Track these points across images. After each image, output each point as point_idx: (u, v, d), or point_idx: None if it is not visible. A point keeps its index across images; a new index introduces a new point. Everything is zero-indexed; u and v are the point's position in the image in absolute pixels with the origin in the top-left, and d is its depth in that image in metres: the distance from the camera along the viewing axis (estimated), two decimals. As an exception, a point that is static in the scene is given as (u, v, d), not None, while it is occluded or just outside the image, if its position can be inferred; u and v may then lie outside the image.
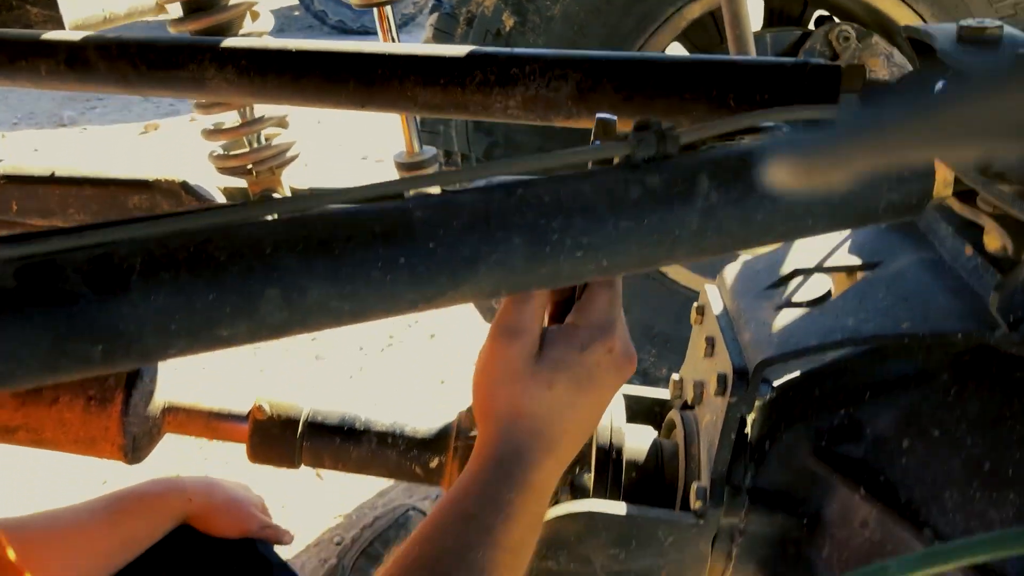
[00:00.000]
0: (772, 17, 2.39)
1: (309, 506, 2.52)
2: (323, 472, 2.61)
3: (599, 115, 0.81)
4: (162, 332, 0.65)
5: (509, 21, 1.97)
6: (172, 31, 1.60)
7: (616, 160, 0.76)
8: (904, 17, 2.02)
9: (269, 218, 0.70)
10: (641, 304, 2.36)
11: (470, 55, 1.14)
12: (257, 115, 1.77)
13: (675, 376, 1.23)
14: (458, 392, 2.94)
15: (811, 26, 2.36)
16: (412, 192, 0.75)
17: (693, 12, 2.04)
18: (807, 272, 1.08)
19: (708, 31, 2.25)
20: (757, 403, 1.01)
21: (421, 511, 2.31)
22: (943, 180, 0.81)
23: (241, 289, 0.65)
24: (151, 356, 0.66)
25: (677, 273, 2.36)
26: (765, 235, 0.77)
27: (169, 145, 5.12)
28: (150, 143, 5.26)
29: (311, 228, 0.68)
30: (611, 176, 0.74)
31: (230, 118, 1.81)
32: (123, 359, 0.65)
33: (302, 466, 1.19)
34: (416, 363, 3.11)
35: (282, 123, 1.82)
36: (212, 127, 1.79)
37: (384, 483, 2.59)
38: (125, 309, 0.64)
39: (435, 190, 0.83)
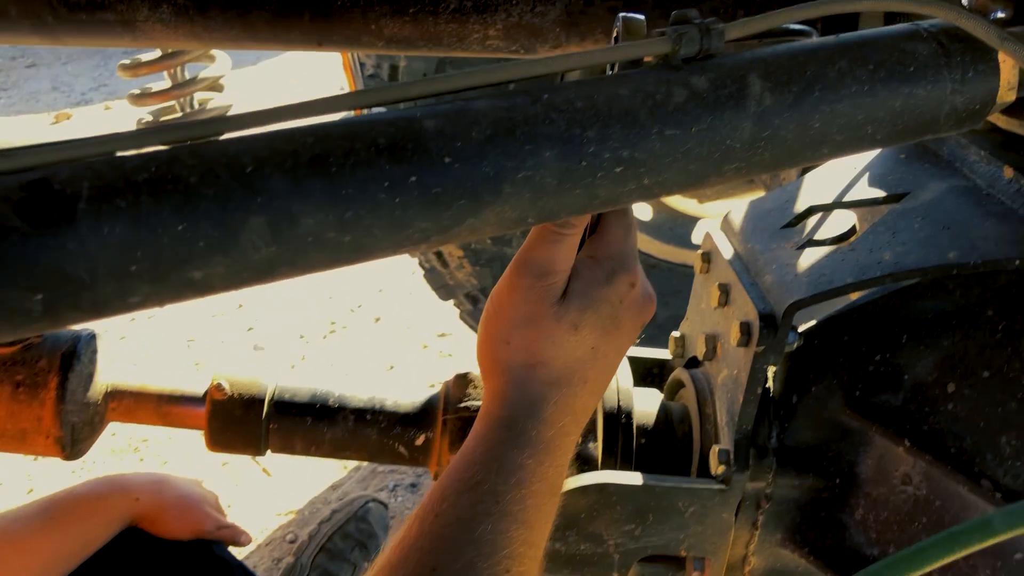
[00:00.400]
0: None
1: (258, 503, 2.36)
2: (271, 468, 2.46)
3: (623, 14, 0.69)
4: (119, 275, 0.51)
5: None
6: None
7: (651, 61, 0.65)
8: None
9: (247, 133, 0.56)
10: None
11: (443, -22, 1.01)
12: (189, 77, 1.61)
13: (675, 333, 1.13)
14: (410, 377, 2.81)
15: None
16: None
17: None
18: (826, 208, 0.98)
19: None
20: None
21: (381, 502, 2.18)
22: (1007, 82, 0.71)
23: (217, 218, 0.52)
24: (107, 306, 0.52)
25: (638, 240, 2.27)
26: (822, 146, 0.67)
27: (83, 133, 4.83)
28: (62, 134, 4.97)
29: (301, 142, 0.55)
30: (651, 78, 0.63)
31: (159, 84, 1.65)
32: (71, 311, 0.51)
33: (267, 453, 1.05)
34: (363, 349, 2.96)
35: (216, 86, 1.66)
36: (139, 91, 1.63)
37: (336, 475, 2.45)
38: (71, 246, 0.50)
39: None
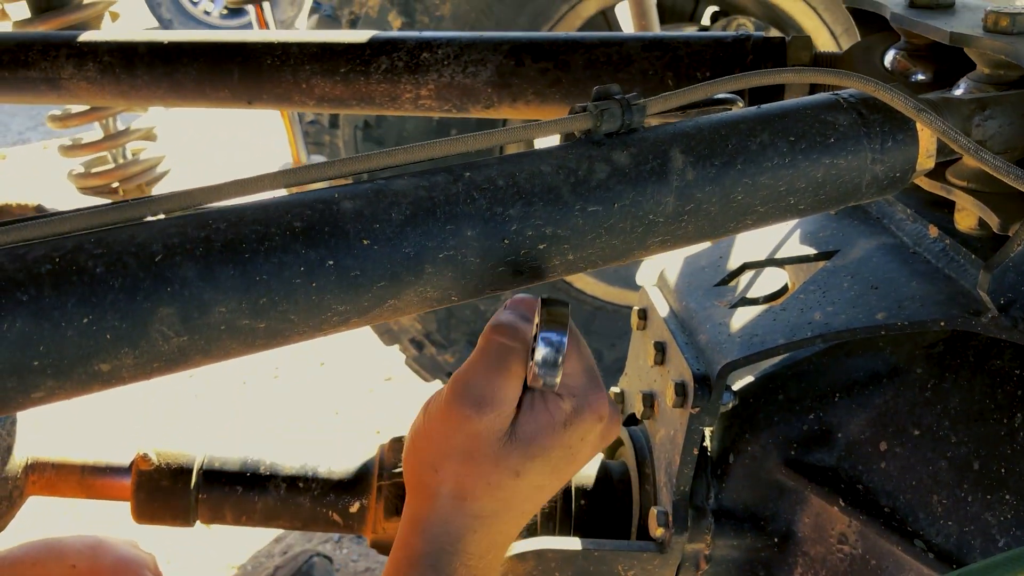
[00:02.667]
0: (664, 14, 2.33)
1: (198, 559, 2.30)
2: (212, 520, 2.40)
3: (544, 297, 0.66)
4: (21, 370, 0.49)
5: (396, 22, 1.85)
6: (17, 34, 1.40)
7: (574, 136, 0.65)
8: (796, 10, 2.00)
9: (156, 218, 0.55)
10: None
11: (373, 40, 1.01)
12: (121, 128, 1.59)
13: (614, 388, 1.12)
14: (356, 422, 2.77)
15: (705, 21, 2.32)
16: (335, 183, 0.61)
17: (588, 10, 1.96)
18: (759, 265, 0.99)
19: (601, 30, 2.18)
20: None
21: (326, 556, 2.13)
22: (926, 150, 0.73)
23: (125, 309, 0.51)
24: (9, 402, 0.50)
25: (584, 283, 2.27)
26: (745, 217, 0.67)
27: (19, 175, 4.74)
28: (-3, 176, 4.87)
29: (213, 227, 0.54)
30: (573, 153, 0.63)
31: (91, 134, 1.62)
32: (-33, 409, 0.49)
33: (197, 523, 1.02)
34: (307, 394, 2.91)
35: (149, 135, 1.64)
36: (71, 143, 1.59)
37: (279, 528, 2.40)
38: (-33, 342, 0.48)
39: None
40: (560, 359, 0.63)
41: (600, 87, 0.64)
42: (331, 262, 0.55)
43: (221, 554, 2.32)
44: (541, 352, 0.63)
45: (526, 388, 0.67)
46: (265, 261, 0.53)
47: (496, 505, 0.69)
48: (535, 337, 0.64)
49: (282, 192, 0.58)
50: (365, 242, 0.56)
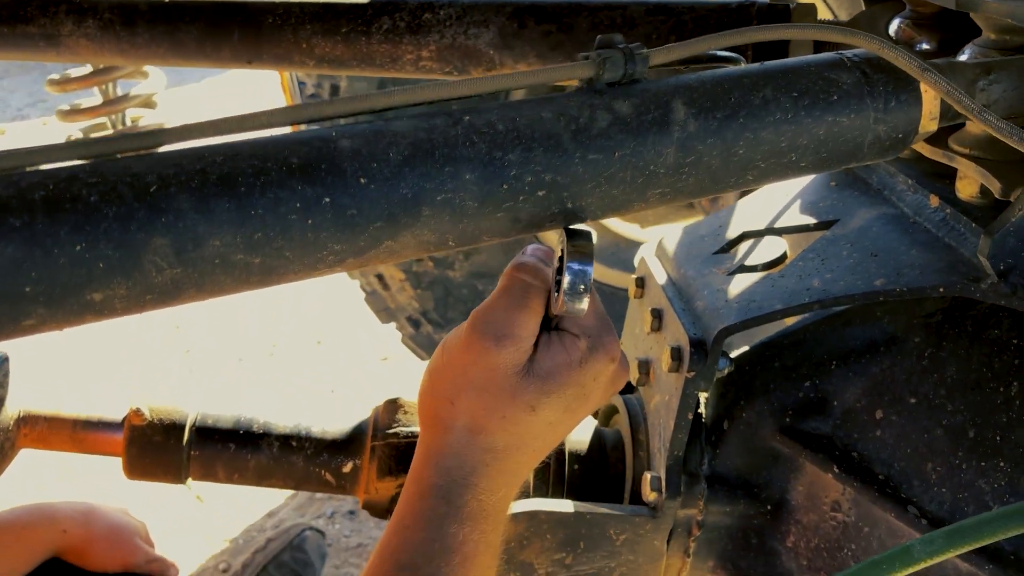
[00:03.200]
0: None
1: (189, 530, 2.30)
2: (204, 493, 2.39)
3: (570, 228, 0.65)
4: (12, 297, 0.49)
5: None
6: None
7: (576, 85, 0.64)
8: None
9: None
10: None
11: (375, 0, 1.00)
12: (121, 94, 1.58)
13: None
14: (352, 401, 2.76)
15: None
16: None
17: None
18: (758, 234, 0.98)
19: None
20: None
21: (319, 531, 2.13)
22: (929, 112, 0.72)
23: (119, 238, 0.50)
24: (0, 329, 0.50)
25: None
26: (746, 172, 0.67)
27: (18, 152, 4.71)
28: (-4, 151, 4.83)
29: (209, 160, 0.53)
30: (575, 101, 0.62)
31: (90, 100, 1.61)
32: (-43, 334, 0.49)
33: (189, 481, 1.02)
34: (303, 372, 2.91)
35: (149, 103, 1.63)
36: (69, 107, 1.59)
37: (273, 502, 2.40)
38: (-42, 266, 0.48)
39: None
40: (586, 286, 0.63)
41: (603, 36, 0.64)
42: (327, 199, 0.54)
43: (213, 527, 2.32)
44: (568, 279, 0.63)
45: (543, 328, 0.69)
46: (261, 196, 0.53)
47: (510, 440, 0.70)
48: (559, 269, 0.65)
49: (285, 130, 0.58)
50: (362, 181, 0.55)
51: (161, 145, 0.55)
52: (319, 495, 2.37)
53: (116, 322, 0.55)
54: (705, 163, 0.64)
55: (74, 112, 1.57)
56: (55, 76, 1.54)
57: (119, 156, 0.53)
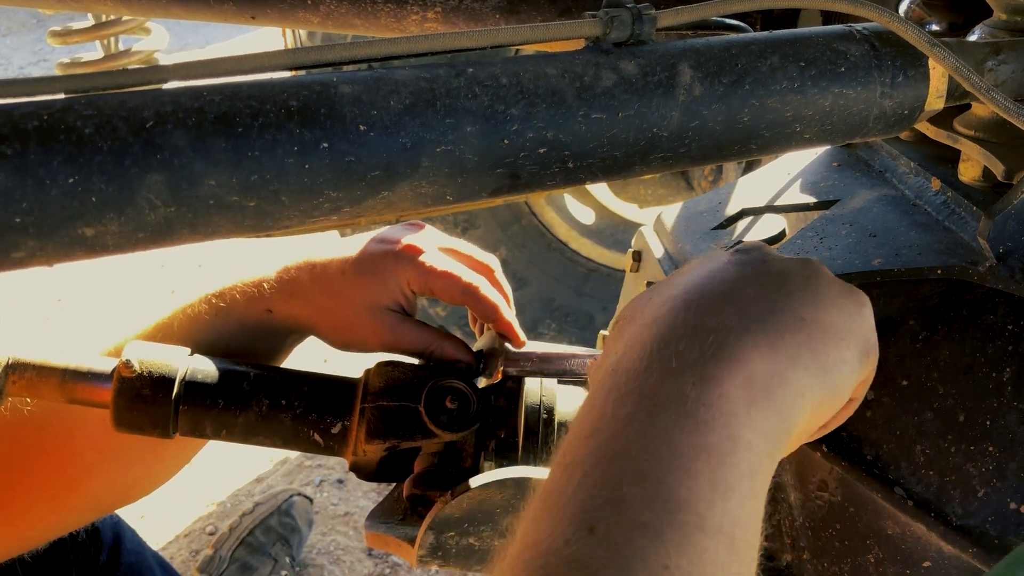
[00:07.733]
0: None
1: (177, 493, 2.30)
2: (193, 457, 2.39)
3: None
4: (2, 226, 0.48)
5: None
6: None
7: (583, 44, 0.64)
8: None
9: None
10: (541, 276, 2.25)
11: (383, -43, 0.99)
12: (123, 49, 1.57)
13: (603, 332, 1.11)
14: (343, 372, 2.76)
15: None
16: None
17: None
18: (758, 211, 0.98)
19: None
20: (707, 353, 0.90)
21: (306, 496, 2.13)
22: (936, 90, 0.72)
23: (112, 172, 0.49)
24: (-14, 259, 0.49)
25: (579, 244, 2.26)
26: (749, 141, 0.66)
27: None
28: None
29: (207, 99, 0.52)
30: (580, 59, 0.61)
31: (91, 54, 1.60)
32: (-55, 262, 0.48)
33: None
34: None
35: (150, 60, 1.61)
36: (70, 60, 1.57)
37: (261, 467, 2.40)
38: (-52, 192, 0.47)
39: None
40: None
41: (611, -3, 0.63)
42: (325, 144, 0.54)
43: (201, 491, 2.33)
44: None
45: None
46: (258, 137, 0.52)
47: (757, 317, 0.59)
48: None
49: (285, 74, 0.57)
50: (362, 128, 0.55)
51: (160, 82, 0.54)
52: (308, 462, 2.37)
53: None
54: (709, 129, 0.64)
55: (74, 65, 1.55)
56: (56, 28, 1.53)
57: (116, 91, 0.52)
